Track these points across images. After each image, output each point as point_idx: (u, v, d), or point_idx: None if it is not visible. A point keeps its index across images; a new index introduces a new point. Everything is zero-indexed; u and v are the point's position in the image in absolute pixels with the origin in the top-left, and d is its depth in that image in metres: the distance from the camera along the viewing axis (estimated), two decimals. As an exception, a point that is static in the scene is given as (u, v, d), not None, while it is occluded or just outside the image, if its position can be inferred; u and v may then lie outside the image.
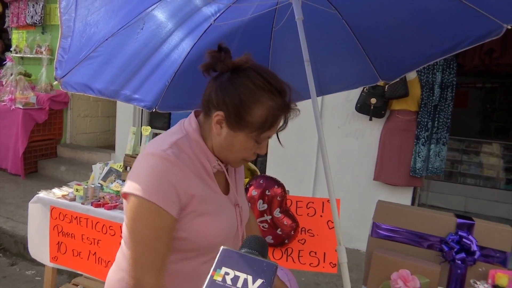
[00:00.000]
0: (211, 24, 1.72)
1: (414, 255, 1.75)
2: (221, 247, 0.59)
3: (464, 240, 1.65)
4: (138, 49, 1.53)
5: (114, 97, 1.66)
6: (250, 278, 0.54)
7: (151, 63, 1.66)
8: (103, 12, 1.22)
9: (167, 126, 5.20)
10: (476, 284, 1.54)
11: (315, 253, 2.16)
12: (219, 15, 1.70)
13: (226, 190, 1.16)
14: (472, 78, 7.30)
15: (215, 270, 0.55)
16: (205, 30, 1.73)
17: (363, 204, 3.92)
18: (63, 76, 1.36)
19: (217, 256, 0.57)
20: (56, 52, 1.25)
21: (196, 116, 1.12)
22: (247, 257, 0.58)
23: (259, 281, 0.54)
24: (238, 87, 1.00)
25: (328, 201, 2.18)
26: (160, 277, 0.98)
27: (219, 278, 0.54)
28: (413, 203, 3.92)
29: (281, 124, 1.08)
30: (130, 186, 0.97)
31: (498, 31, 1.56)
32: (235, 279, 0.54)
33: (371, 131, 3.90)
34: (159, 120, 5.31)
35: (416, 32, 1.83)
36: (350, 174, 4.06)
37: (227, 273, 0.55)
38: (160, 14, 1.49)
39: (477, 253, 1.64)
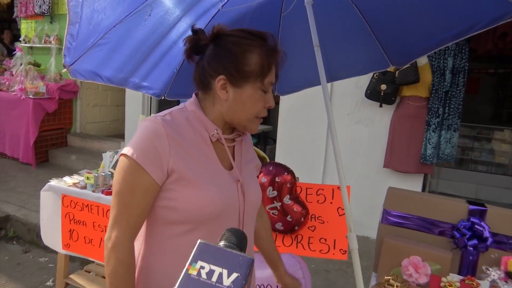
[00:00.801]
0: (219, 10, 1.70)
1: (425, 242, 1.74)
2: (198, 241, 0.58)
3: (476, 226, 1.63)
4: (146, 36, 1.51)
5: (123, 85, 1.65)
6: (225, 272, 0.54)
7: (159, 50, 1.65)
8: (111, -2, 1.21)
9: (175, 115, 5.20)
10: (489, 270, 1.53)
11: (325, 240, 2.16)
12: (227, 1, 1.68)
13: (230, 166, 1.14)
14: (484, 63, 7.18)
15: (190, 264, 0.55)
16: (213, 16, 1.71)
17: (373, 191, 3.90)
18: (72, 64, 1.35)
19: (194, 250, 0.57)
20: (64, 39, 1.24)
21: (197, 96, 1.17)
22: (223, 250, 0.58)
23: (234, 275, 0.53)
24: (227, 47, 1.06)
25: (338, 188, 2.17)
26: (129, 235, 1.02)
27: (194, 272, 0.54)
28: (423, 190, 3.90)
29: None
30: (123, 150, 1.05)
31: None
32: (210, 273, 0.54)
33: (381, 118, 3.87)
34: (168, 108, 5.30)
35: (427, 15, 1.79)
36: (359, 161, 4.04)
37: (202, 267, 0.54)
38: (167, 0, 1.48)
39: (490, 240, 1.62)
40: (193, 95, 1.15)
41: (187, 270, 0.54)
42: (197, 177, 1.02)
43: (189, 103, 1.12)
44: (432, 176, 5.55)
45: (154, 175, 0.99)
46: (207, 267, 0.54)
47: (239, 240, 0.65)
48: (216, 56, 1.07)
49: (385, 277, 1.53)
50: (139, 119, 2.62)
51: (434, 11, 1.76)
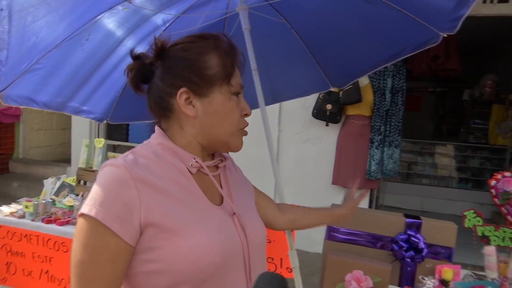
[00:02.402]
0: (160, 34, 1.71)
1: (368, 256, 1.81)
2: None
3: (412, 238, 1.72)
4: (85, 60, 1.50)
5: (61, 110, 1.61)
6: None
7: (99, 74, 1.63)
8: (44, 23, 1.19)
9: (125, 138, 5.09)
10: (424, 280, 1.61)
11: (272, 259, 2.18)
12: (169, 25, 1.70)
13: (220, 200, 0.94)
14: (424, 82, 7.65)
15: None
16: (155, 40, 1.72)
17: (323, 208, 3.98)
18: (3, 90, 1.31)
19: None
20: (-9, 65, 1.20)
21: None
22: None
23: None
24: (180, 56, 0.89)
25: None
26: None
27: None
28: (370, 205, 4.04)
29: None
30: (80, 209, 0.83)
31: (435, 39, 1.65)
32: None
33: (328, 136, 3.99)
34: (117, 131, 5.19)
35: (363, 40, 1.90)
36: (309, 179, 4.13)
37: None
38: (106, 25, 1.47)
39: (425, 251, 1.71)
40: (156, 127, 0.95)
41: None
42: (182, 223, 0.81)
43: (153, 137, 0.93)
44: (380, 191, 5.77)
45: (123, 234, 0.77)
46: None
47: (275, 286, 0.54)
48: (169, 69, 0.89)
49: (329, 293, 1.57)
50: (82, 143, 2.54)
51: (369, 36, 1.88)
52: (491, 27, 5.28)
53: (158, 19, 1.66)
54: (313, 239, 3.87)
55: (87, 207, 0.79)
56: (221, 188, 0.95)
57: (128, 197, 0.78)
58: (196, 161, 0.89)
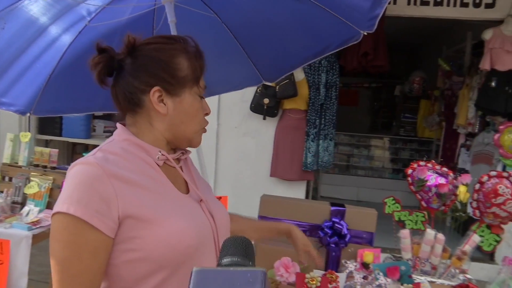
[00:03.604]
0: (86, 25, 1.67)
1: (297, 244, 1.89)
2: (193, 269, 0.48)
3: (336, 225, 1.82)
4: (1, 50, 1.43)
5: (-24, 102, 1.53)
6: None
7: (19, 65, 1.56)
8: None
9: (58, 133, 4.85)
10: (347, 263, 1.72)
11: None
12: (94, 16, 1.66)
13: (186, 189, 1.00)
14: (361, 78, 8.01)
15: None
16: (80, 31, 1.68)
17: (262, 200, 4.07)
18: None
19: (190, 283, 0.47)
20: None
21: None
22: (225, 272, 0.48)
23: None
24: (152, 55, 0.93)
25: (220, 198, 2.24)
26: None
27: None
28: (307, 196, 4.18)
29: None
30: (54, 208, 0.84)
31: (357, 37, 1.75)
32: None
33: (266, 130, 4.08)
34: (50, 126, 4.91)
35: (292, 36, 1.97)
36: (249, 171, 4.20)
37: None
38: (24, 14, 1.42)
39: (348, 236, 1.82)
40: (118, 124, 0.98)
41: None
42: (158, 212, 0.86)
43: (117, 134, 0.95)
44: (319, 182, 6.00)
45: (104, 228, 0.80)
46: None
47: (242, 249, 0.55)
48: (143, 67, 0.92)
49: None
50: (7, 137, 2.41)
51: (297, 33, 1.95)
52: (416, 27, 5.64)
53: (83, 9, 1.62)
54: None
55: (64, 205, 0.80)
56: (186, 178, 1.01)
57: (104, 192, 0.81)
58: (162, 154, 0.94)
